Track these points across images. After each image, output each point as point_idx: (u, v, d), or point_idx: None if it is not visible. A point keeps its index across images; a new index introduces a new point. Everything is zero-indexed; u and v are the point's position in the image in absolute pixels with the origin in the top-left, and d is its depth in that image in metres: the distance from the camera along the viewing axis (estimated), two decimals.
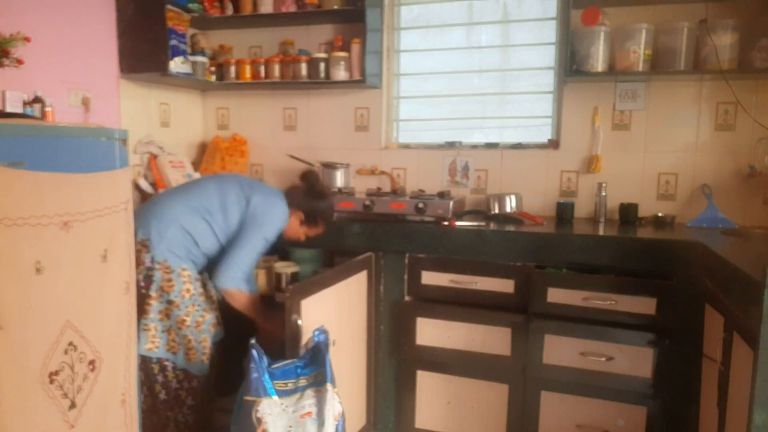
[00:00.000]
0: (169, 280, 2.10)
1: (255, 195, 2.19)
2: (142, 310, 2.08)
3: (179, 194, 2.22)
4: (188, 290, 2.13)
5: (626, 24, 2.54)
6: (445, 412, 2.44)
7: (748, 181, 2.54)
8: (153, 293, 2.10)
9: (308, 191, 2.33)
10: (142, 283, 2.09)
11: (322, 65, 2.94)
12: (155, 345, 2.12)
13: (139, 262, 2.04)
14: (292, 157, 3.00)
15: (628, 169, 2.72)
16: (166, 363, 2.16)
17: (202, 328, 2.16)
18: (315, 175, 2.39)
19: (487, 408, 2.37)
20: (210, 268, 2.22)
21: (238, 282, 2.13)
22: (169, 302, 2.11)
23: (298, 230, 2.34)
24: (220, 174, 2.39)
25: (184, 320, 2.12)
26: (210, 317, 2.19)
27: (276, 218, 2.21)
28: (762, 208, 2.55)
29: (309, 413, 1.83)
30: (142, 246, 2.09)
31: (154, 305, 2.11)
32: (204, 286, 2.22)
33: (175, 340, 2.14)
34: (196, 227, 2.14)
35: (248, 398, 1.79)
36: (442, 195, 2.65)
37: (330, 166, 2.87)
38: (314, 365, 1.92)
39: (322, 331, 1.92)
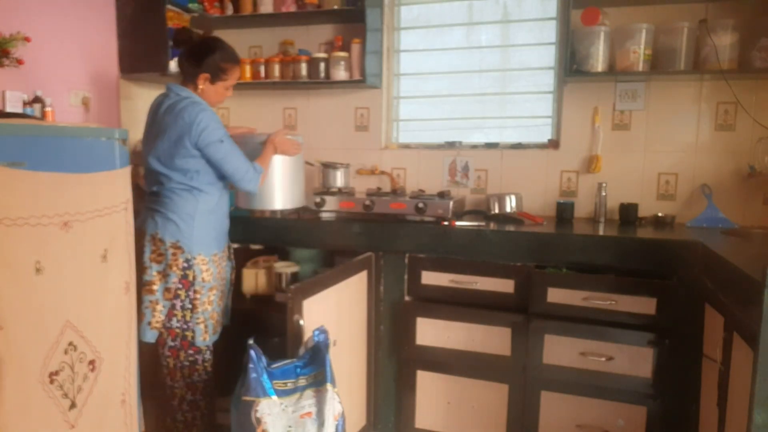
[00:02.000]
0: (208, 269, 2.16)
1: (185, 136, 2.07)
2: (149, 291, 2.15)
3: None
4: (204, 279, 2.16)
5: (626, 24, 2.54)
6: (445, 412, 2.44)
7: (748, 181, 2.54)
8: (198, 287, 2.15)
9: (190, 53, 2.18)
10: (178, 282, 2.14)
11: (322, 65, 2.94)
12: (158, 321, 2.15)
13: (174, 265, 2.13)
14: None
15: (628, 169, 2.72)
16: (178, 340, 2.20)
17: (221, 303, 2.26)
18: (183, 30, 2.29)
19: (487, 408, 2.37)
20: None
21: (255, 179, 2.20)
22: (195, 291, 2.15)
23: (217, 90, 2.21)
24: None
25: (209, 301, 2.19)
26: (226, 288, 2.31)
27: (206, 118, 2.08)
28: (762, 208, 2.55)
29: (309, 413, 1.83)
30: (174, 248, 2.13)
31: (176, 302, 2.14)
32: (225, 254, 2.29)
33: (207, 326, 2.19)
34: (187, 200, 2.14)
35: (247, 398, 1.79)
36: (442, 195, 2.65)
37: (330, 166, 2.86)
38: (314, 365, 1.92)
39: (322, 330, 1.92)
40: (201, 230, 2.15)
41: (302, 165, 2.61)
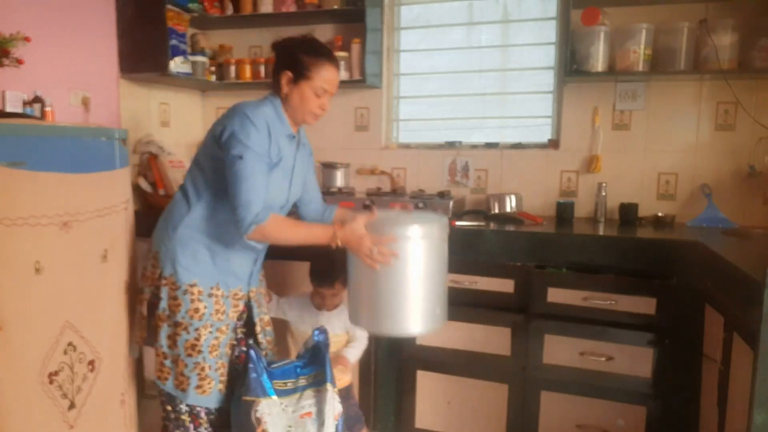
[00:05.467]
0: (175, 298, 1.77)
1: (218, 128, 1.75)
2: (154, 333, 1.84)
3: (175, 195, 1.90)
4: (197, 310, 1.76)
5: (626, 24, 2.53)
6: (445, 412, 2.44)
7: (748, 181, 2.54)
8: (160, 313, 1.80)
9: (281, 53, 1.82)
10: (152, 302, 1.86)
11: None
12: (164, 375, 1.82)
13: (150, 279, 1.85)
14: None
15: (628, 169, 2.72)
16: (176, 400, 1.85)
17: (219, 352, 1.81)
18: (281, 38, 1.84)
19: (487, 408, 2.37)
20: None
21: (249, 217, 1.64)
22: (176, 324, 1.78)
23: (303, 94, 1.76)
24: None
25: (194, 345, 1.77)
26: (226, 337, 1.83)
27: (244, 119, 1.69)
28: (762, 208, 2.55)
29: (309, 413, 1.83)
30: (154, 259, 1.84)
31: (164, 328, 1.80)
32: (234, 294, 1.86)
33: (183, 374, 1.78)
34: (203, 217, 1.78)
35: (247, 398, 1.79)
36: (442, 195, 2.65)
37: (330, 166, 2.87)
38: (314, 365, 1.92)
39: (322, 330, 1.92)
40: (181, 248, 1.78)
41: (444, 268, 1.82)
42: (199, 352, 1.77)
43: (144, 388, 2.20)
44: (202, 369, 1.78)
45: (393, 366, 2.51)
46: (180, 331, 1.77)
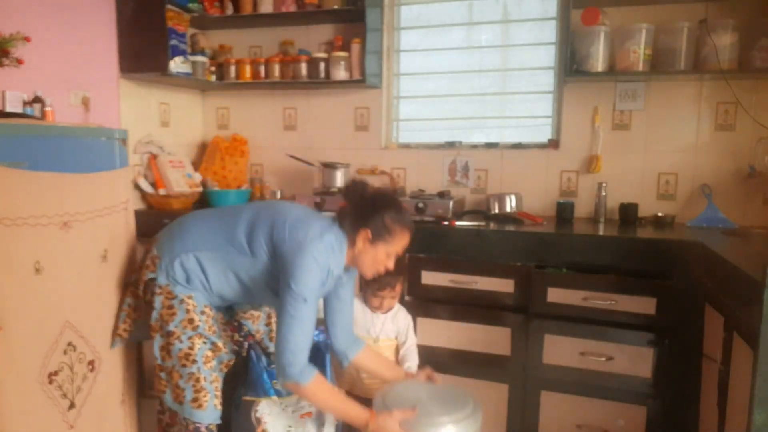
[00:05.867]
0: (170, 307, 1.71)
1: (285, 242, 1.66)
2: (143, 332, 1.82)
3: (209, 220, 1.82)
4: (191, 320, 1.71)
5: (626, 24, 2.53)
6: None
7: (748, 181, 2.54)
8: (153, 323, 1.73)
9: (359, 203, 1.76)
10: (144, 303, 1.81)
11: (322, 65, 2.94)
12: (161, 389, 1.76)
13: (143, 279, 1.78)
14: (292, 156, 3.01)
15: (628, 169, 2.72)
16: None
17: (212, 365, 1.73)
18: (359, 182, 1.80)
19: (487, 408, 2.35)
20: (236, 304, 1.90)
21: (293, 372, 1.61)
22: (168, 334, 1.71)
23: (376, 255, 1.74)
24: (261, 203, 1.86)
25: (188, 354, 1.69)
26: (223, 355, 1.77)
27: (313, 257, 1.63)
28: (762, 208, 2.55)
29: (309, 413, 1.83)
30: (152, 262, 1.76)
31: (156, 339, 1.74)
32: (221, 318, 1.85)
33: (179, 385, 1.71)
34: (213, 264, 1.72)
35: (247, 398, 1.79)
36: (442, 195, 2.65)
37: (330, 166, 2.87)
38: (314, 365, 1.91)
39: (321, 331, 1.92)
40: (181, 270, 1.72)
41: None
42: (194, 362, 1.69)
43: (144, 388, 2.19)
44: (197, 380, 1.69)
45: None
46: (173, 341, 1.70)
